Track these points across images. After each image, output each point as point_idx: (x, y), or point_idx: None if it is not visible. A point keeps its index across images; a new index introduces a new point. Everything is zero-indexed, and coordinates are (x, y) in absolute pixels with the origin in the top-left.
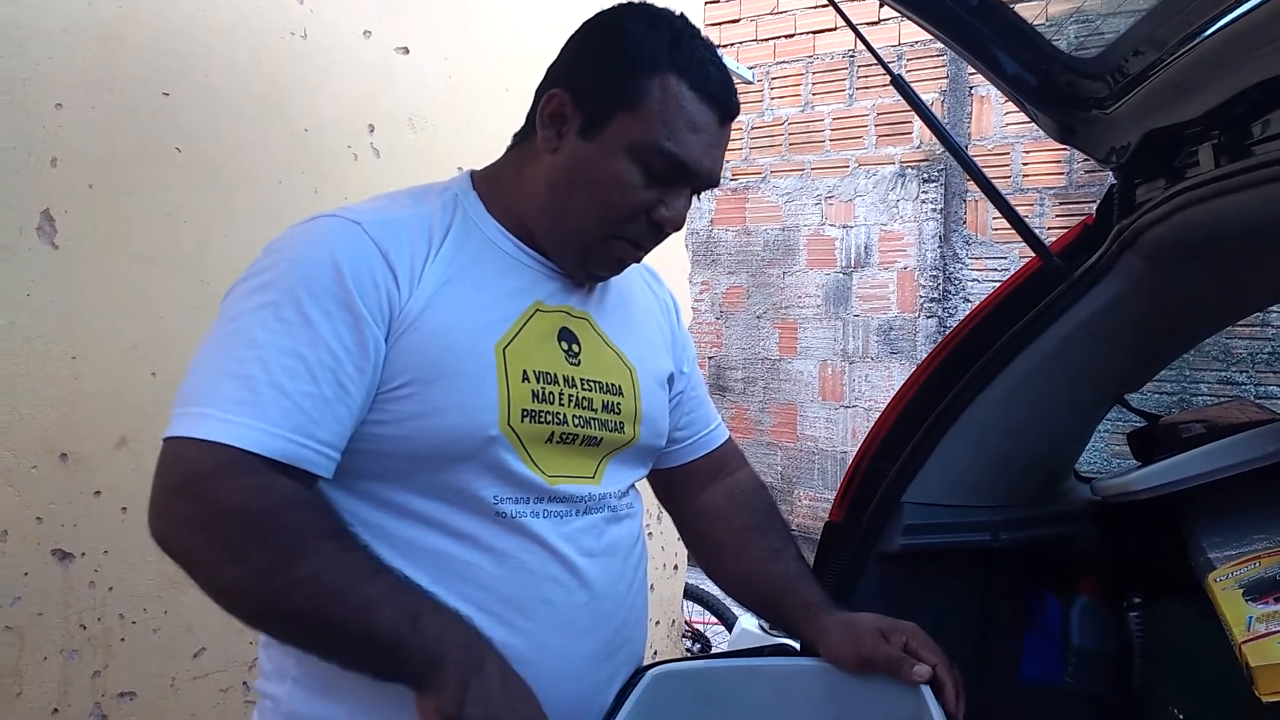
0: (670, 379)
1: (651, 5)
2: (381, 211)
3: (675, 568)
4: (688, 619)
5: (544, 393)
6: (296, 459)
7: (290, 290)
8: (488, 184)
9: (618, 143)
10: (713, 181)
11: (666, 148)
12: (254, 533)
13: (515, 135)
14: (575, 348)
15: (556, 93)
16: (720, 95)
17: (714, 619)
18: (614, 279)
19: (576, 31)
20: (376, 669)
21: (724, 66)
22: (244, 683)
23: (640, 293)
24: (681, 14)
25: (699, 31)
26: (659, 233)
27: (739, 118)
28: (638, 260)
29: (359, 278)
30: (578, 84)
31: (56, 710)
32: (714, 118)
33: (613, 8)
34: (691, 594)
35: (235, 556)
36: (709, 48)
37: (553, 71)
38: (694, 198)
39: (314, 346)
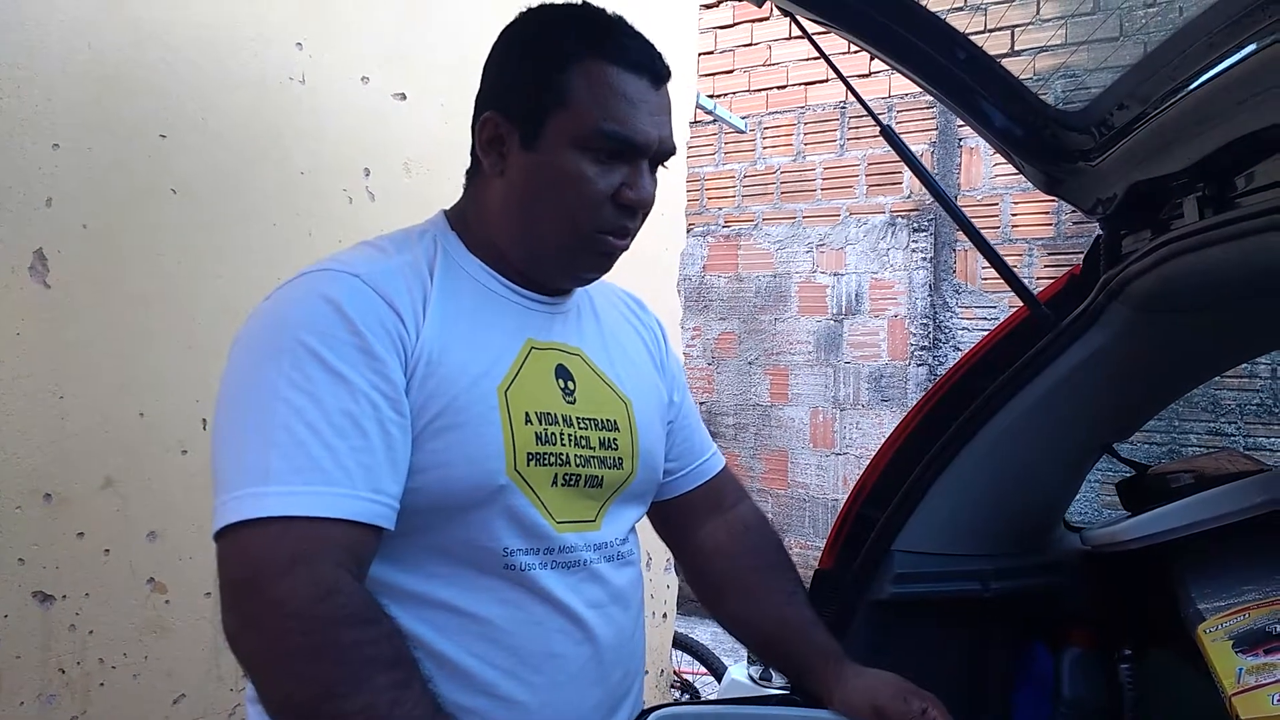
0: (666, 408)
1: (548, 4)
2: (372, 261)
3: (665, 616)
4: (676, 668)
5: (546, 434)
6: (372, 517)
7: (309, 350)
8: (460, 222)
9: (560, 141)
10: (666, 148)
11: (608, 129)
12: (314, 648)
13: (467, 172)
14: (571, 385)
15: (488, 116)
16: (644, 61)
17: (703, 668)
18: (599, 311)
19: (489, 54)
20: None
21: (639, 34)
22: None
23: (627, 322)
24: (583, 1)
25: (603, 10)
26: (632, 216)
27: (732, 166)
28: (623, 249)
29: (371, 325)
30: (504, 101)
31: None
32: (645, 84)
33: (514, 19)
34: (680, 643)
35: (292, 671)
36: (618, 21)
37: (479, 100)
38: (656, 173)
39: (354, 399)
